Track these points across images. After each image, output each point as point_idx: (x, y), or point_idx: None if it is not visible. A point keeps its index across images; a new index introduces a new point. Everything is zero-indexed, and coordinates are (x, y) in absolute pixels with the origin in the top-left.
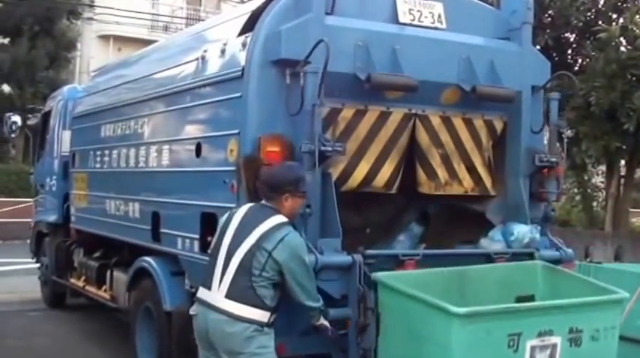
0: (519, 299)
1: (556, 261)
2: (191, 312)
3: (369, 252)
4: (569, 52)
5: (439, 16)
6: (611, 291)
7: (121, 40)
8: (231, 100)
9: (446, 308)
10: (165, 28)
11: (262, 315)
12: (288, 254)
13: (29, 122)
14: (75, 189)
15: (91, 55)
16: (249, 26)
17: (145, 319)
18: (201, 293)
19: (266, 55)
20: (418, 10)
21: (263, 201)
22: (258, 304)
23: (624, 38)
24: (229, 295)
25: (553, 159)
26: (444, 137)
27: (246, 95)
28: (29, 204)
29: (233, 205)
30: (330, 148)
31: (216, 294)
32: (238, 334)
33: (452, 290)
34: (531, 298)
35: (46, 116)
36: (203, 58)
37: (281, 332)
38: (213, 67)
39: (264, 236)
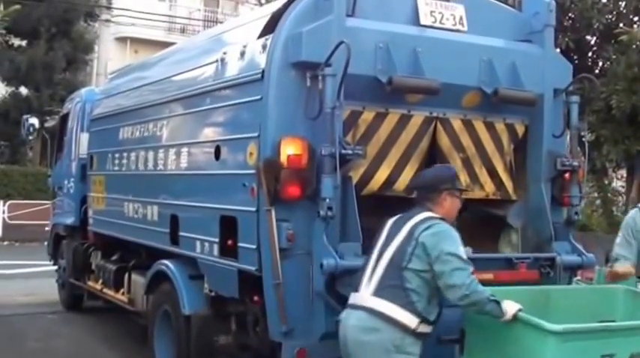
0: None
1: (577, 266)
2: (338, 318)
3: None
4: (590, 54)
5: (460, 19)
6: None
7: (138, 42)
8: (250, 103)
9: (541, 326)
10: (183, 31)
11: (410, 320)
12: (437, 238)
13: (47, 124)
14: (92, 191)
15: (109, 57)
16: (269, 28)
17: (163, 323)
18: (350, 297)
19: (286, 57)
20: (439, 12)
21: (415, 209)
22: (406, 305)
23: None
24: (376, 292)
25: (575, 163)
26: (465, 141)
27: (266, 98)
28: (47, 206)
29: (253, 209)
30: (350, 151)
31: (363, 293)
32: (376, 344)
33: (537, 309)
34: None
35: (64, 118)
36: (223, 60)
37: (301, 337)
38: (233, 69)
39: (414, 227)
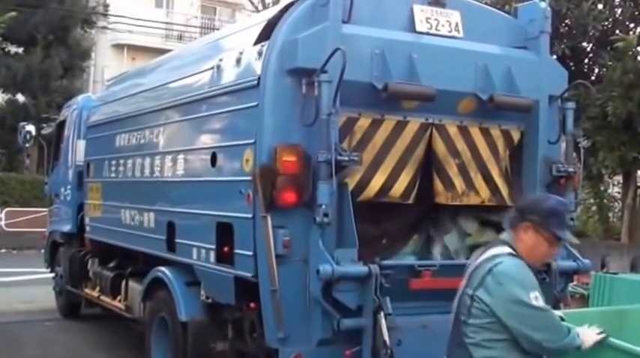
0: None
1: (573, 272)
2: None
3: (386, 262)
4: (586, 61)
5: (456, 25)
6: None
7: (135, 49)
8: (247, 109)
9: (634, 351)
10: (180, 37)
11: None
12: (497, 288)
13: (43, 131)
14: (89, 198)
15: (106, 64)
16: (265, 35)
17: (160, 329)
18: None
19: (282, 63)
20: (435, 19)
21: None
22: None
23: None
24: (448, 354)
25: (570, 169)
26: (461, 147)
27: (262, 104)
28: (44, 213)
29: (249, 215)
30: (346, 158)
31: None
32: None
33: (611, 331)
34: None
35: (61, 125)
36: (219, 67)
37: (297, 343)
38: (229, 76)
39: (475, 269)
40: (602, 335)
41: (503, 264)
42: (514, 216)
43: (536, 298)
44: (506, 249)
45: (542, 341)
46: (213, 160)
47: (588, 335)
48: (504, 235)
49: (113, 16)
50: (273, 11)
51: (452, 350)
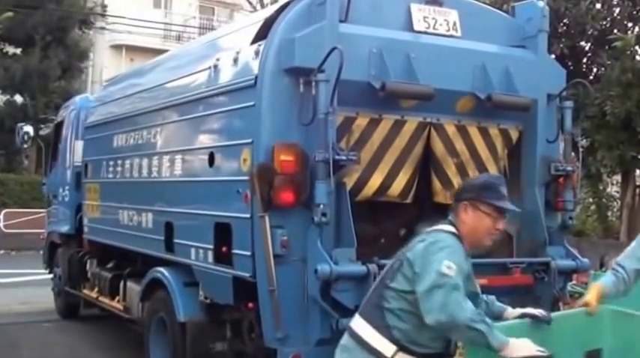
0: (589, 356)
1: (571, 271)
2: None
3: (384, 261)
4: (585, 60)
5: (454, 24)
6: None
7: (134, 50)
8: (244, 109)
9: None
10: (178, 38)
11: (384, 347)
12: (422, 250)
13: (41, 132)
14: (87, 199)
15: (104, 64)
16: (262, 34)
17: (158, 330)
18: None
19: (279, 63)
20: (433, 18)
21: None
22: (383, 329)
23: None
24: (361, 312)
25: (569, 168)
26: (459, 146)
27: (259, 104)
28: (43, 214)
29: (247, 215)
30: (344, 157)
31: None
32: None
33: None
34: (598, 354)
35: (59, 126)
36: (216, 66)
37: (296, 343)
38: (226, 75)
39: (411, 243)
40: (543, 354)
41: (438, 235)
42: (453, 201)
43: (450, 267)
44: (450, 228)
45: (430, 310)
46: (211, 160)
47: (522, 345)
48: (450, 217)
49: (111, 16)
50: (270, 10)
51: (366, 308)
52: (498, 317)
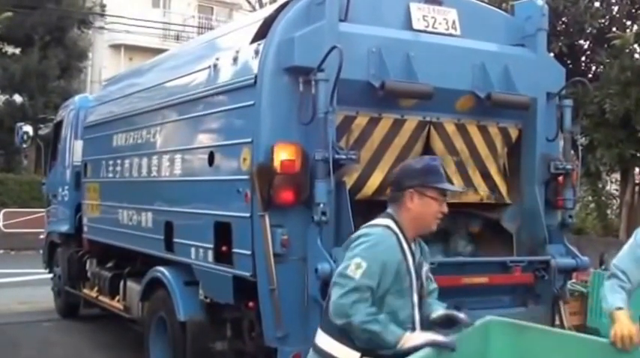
0: None
1: (571, 269)
2: None
3: None
4: (583, 59)
5: (453, 23)
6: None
7: (133, 50)
8: (243, 108)
9: None
10: (177, 37)
11: (349, 355)
12: (345, 246)
13: (41, 132)
14: (87, 199)
15: (103, 64)
16: (261, 33)
17: (158, 329)
18: None
19: (279, 62)
20: (432, 17)
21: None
22: (343, 338)
23: (639, 45)
24: (321, 325)
25: (568, 166)
26: (459, 145)
27: (259, 103)
28: (42, 214)
29: (247, 214)
30: (344, 156)
31: None
32: None
33: None
34: None
35: (58, 126)
36: (215, 66)
37: (296, 342)
38: (226, 75)
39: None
40: (444, 339)
41: (368, 228)
42: (392, 191)
43: (358, 266)
44: (384, 221)
45: (332, 311)
46: (211, 159)
47: (419, 335)
48: (388, 209)
49: (110, 16)
50: (269, 10)
51: (325, 320)
52: (427, 316)
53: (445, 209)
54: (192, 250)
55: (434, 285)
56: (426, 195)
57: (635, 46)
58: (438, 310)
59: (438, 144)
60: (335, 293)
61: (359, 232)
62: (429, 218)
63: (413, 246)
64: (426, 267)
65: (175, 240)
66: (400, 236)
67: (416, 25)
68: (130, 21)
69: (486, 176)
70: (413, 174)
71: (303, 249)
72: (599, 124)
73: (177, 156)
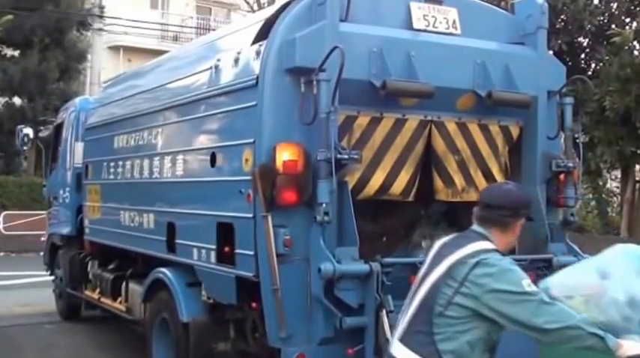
0: None
1: None
2: None
3: (387, 260)
4: (583, 56)
5: (454, 22)
6: None
7: (131, 51)
8: (245, 109)
9: None
10: (175, 38)
11: None
12: (488, 281)
13: (41, 134)
14: (88, 200)
15: (102, 66)
16: (262, 34)
17: (161, 330)
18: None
19: (280, 63)
20: (432, 16)
21: (473, 227)
22: (432, 356)
23: (638, 42)
24: (402, 339)
25: (569, 165)
26: (460, 143)
27: (260, 104)
28: (43, 216)
29: (249, 215)
30: (346, 156)
31: (394, 338)
32: None
33: None
34: None
35: (58, 128)
36: (217, 67)
37: (300, 342)
38: (227, 76)
39: (457, 263)
40: None
41: (491, 257)
42: (503, 215)
43: (529, 285)
44: (488, 245)
45: (543, 323)
46: (213, 160)
47: (636, 345)
48: (478, 228)
49: (109, 17)
50: (270, 11)
51: (410, 335)
52: None
53: None
54: (195, 251)
55: None
56: (521, 224)
57: (635, 43)
58: None
59: (439, 143)
60: (537, 314)
61: (492, 260)
62: (512, 243)
63: None
64: None
65: (177, 241)
66: None
67: (416, 24)
68: (128, 22)
69: (488, 175)
70: (526, 204)
71: (305, 249)
72: (599, 122)
73: (179, 158)
